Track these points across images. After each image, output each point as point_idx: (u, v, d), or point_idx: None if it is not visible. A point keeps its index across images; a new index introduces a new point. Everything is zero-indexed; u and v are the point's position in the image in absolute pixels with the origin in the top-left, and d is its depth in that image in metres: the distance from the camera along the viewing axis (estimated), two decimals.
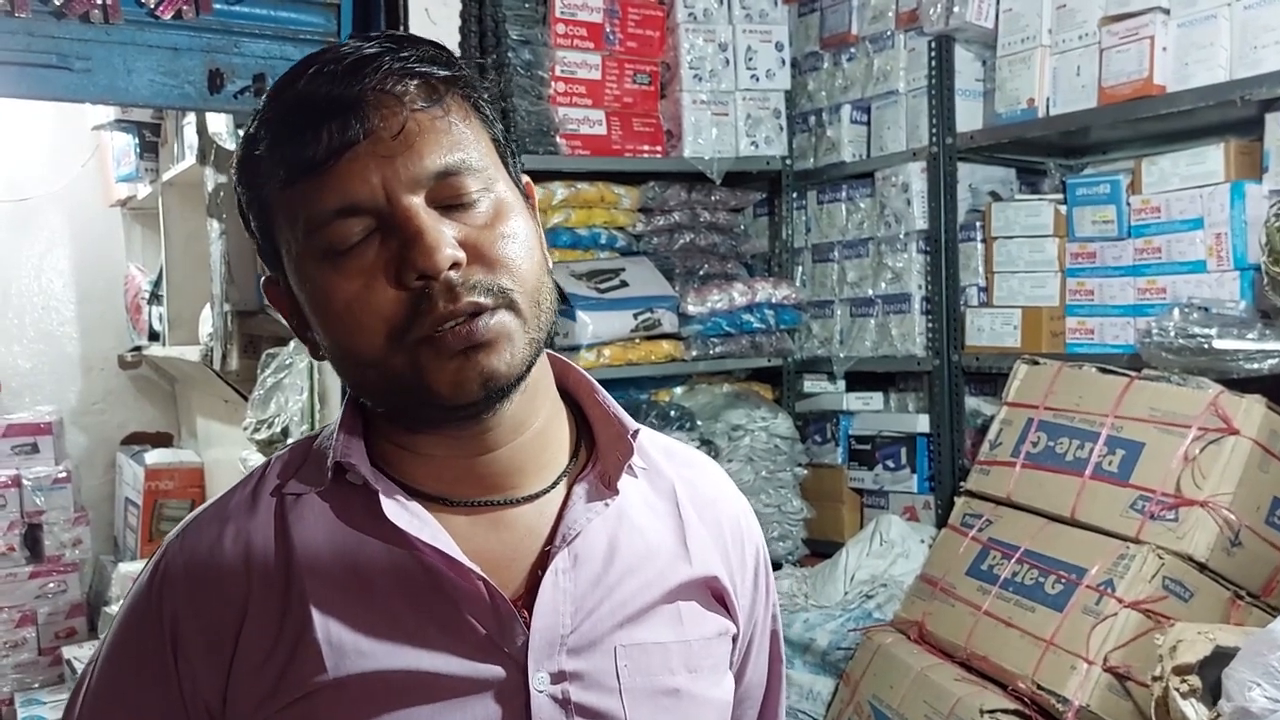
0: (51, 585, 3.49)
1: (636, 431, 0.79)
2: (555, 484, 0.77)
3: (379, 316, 0.68)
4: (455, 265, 0.67)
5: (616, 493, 0.77)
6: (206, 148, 2.73)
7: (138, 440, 3.91)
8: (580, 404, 0.82)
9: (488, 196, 0.71)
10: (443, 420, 0.71)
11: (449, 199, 0.69)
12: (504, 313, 0.69)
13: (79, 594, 3.54)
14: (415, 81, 0.69)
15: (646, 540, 0.78)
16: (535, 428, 0.76)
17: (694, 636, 0.78)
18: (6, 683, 3.37)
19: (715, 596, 0.81)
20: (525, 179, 0.77)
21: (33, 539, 3.49)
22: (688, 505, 0.82)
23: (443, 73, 0.71)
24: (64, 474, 3.55)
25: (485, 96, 0.74)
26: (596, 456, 0.78)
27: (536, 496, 0.76)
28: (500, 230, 0.70)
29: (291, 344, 2.49)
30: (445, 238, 0.67)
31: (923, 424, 2.53)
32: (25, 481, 3.47)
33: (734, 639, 0.82)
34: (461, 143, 0.70)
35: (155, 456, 3.62)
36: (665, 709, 0.74)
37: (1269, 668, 1.16)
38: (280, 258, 0.73)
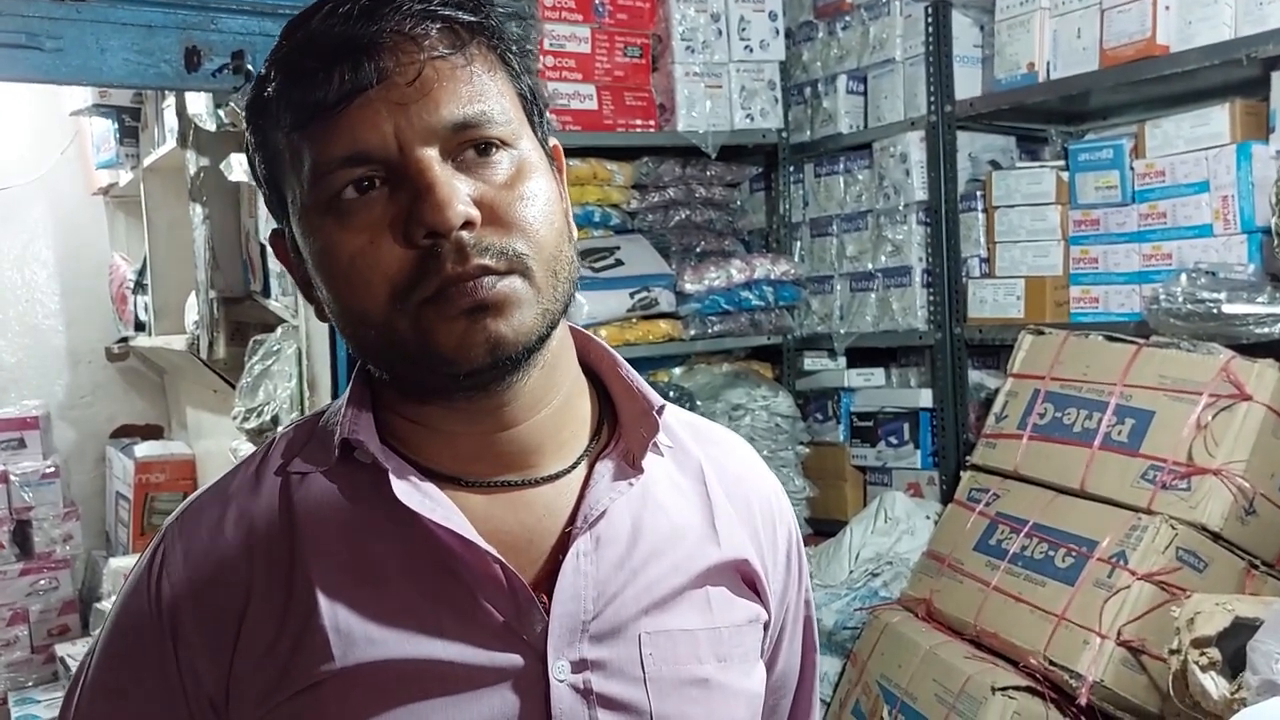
0: (43, 582, 3.44)
1: (662, 408, 0.75)
2: (577, 463, 0.73)
3: (383, 274, 0.64)
4: (468, 224, 0.63)
5: (641, 471, 0.72)
6: (186, 130, 2.67)
7: (127, 433, 3.86)
8: (603, 379, 0.77)
9: (509, 154, 0.66)
10: (450, 389, 0.67)
11: (466, 153, 0.65)
12: (515, 278, 0.64)
13: (71, 590, 3.49)
14: (437, 26, 0.64)
15: (673, 521, 0.74)
16: (555, 404, 0.72)
17: (723, 623, 0.74)
18: (0, 682, 3.33)
19: (745, 581, 0.77)
20: (554, 142, 0.73)
21: (22, 535, 3.44)
22: (716, 485, 0.77)
23: (468, 18, 0.66)
24: (52, 469, 3.49)
25: (514, 48, 0.69)
26: (620, 434, 0.74)
27: (557, 476, 0.72)
28: (519, 191, 0.66)
29: (279, 330, 2.43)
30: (458, 193, 0.63)
31: (925, 399, 2.49)
32: (13, 477, 3.42)
33: (765, 626, 0.78)
34: (483, 94, 0.65)
35: (145, 449, 3.56)
36: (693, 700, 0.70)
37: None
38: (286, 209, 0.69)
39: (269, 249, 2.51)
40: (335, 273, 0.66)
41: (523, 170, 0.67)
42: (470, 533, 0.66)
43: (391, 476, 0.67)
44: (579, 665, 0.67)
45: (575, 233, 0.72)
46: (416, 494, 0.67)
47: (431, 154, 0.64)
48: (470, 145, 0.65)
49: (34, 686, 3.33)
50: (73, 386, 3.87)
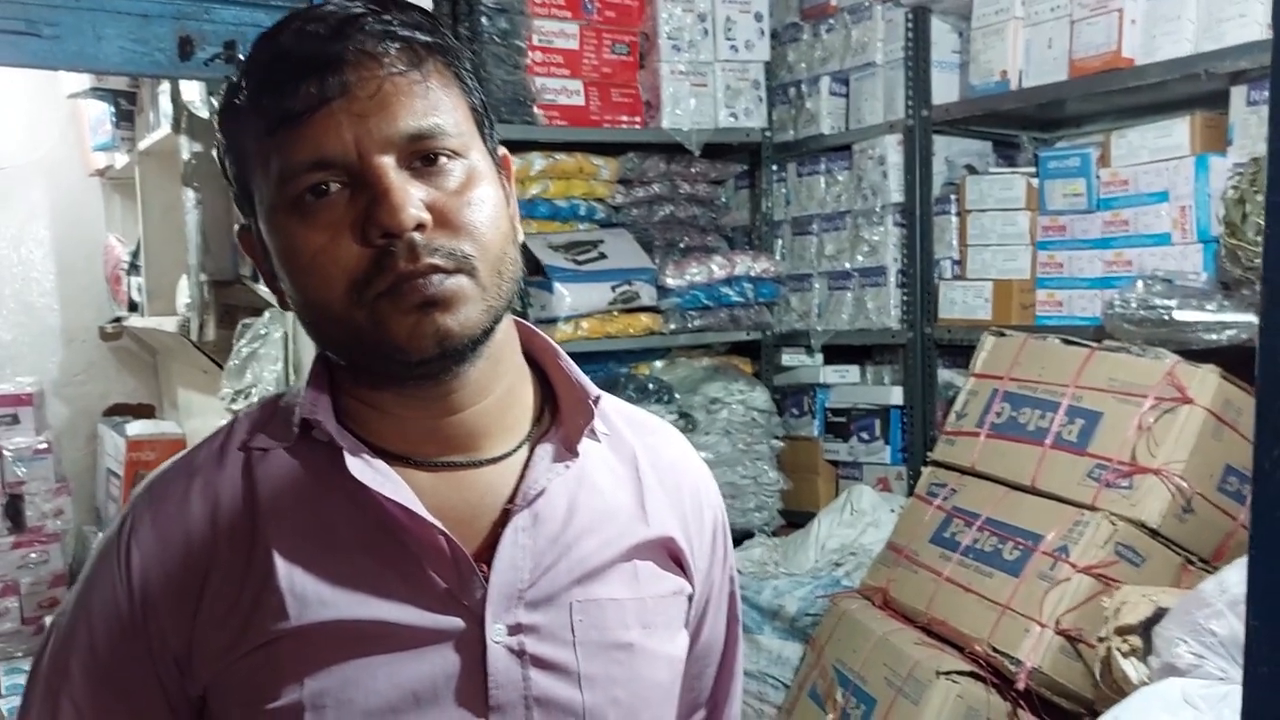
0: (34, 556, 3.51)
1: (598, 398, 0.81)
2: (519, 447, 0.79)
3: (342, 270, 0.69)
4: (420, 227, 0.69)
5: (577, 455, 0.79)
6: (180, 115, 2.72)
7: (120, 411, 3.92)
8: (545, 370, 0.83)
9: (460, 162, 0.72)
10: (403, 377, 0.73)
11: (420, 162, 0.71)
12: (461, 277, 0.70)
13: (61, 564, 3.56)
14: (396, 45, 0.70)
15: (605, 501, 0.80)
16: (499, 392, 0.78)
17: (649, 594, 0.80)
18: None
19: (671, 557, 0.83)
20: (502, 151, 0.79)
21: (14, 510, 3.51)
22: (648, 470, 0.84)
23: (424, 38, 0.72)
24: (45, 445, 3.56)
25: (467, 66, 0.75)
26: (559, 421, 0.81)
27: (500, 459, 0.78)
28: (468, 197, 0.72)
29: (266, 314, 2.49)
30: (411, 198, 0.69)
31: (897, 396, 2.56)
32: (6, 452, 3.48)
33: (690, 598, 0.85)
34: (437, 108, 0.71)
35: (136, 428, 3.62)
36: (618, 662, 0.77)
37: (1195, 625, 1.19)
38: (254, 206, 0.75)
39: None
40: (298, 267, 0.72)
41: (472, 178, 0.73)
42: (418, 506, 0.73)
43: (346, 454, 0.73)
44: (514, 629, 0.74)
45: (520, 235, 0.79)
46: (369, 470, 0.73)
47: (388, 161, 0.70)
48: (424, 154, 0.71)
49: (23, 657, 3.40)
50: (66, 364, 3.94)
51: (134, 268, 3.53)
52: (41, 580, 3.51)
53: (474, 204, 0.72)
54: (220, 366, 2.76)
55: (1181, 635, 1.20)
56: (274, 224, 0.73)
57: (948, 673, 1.67)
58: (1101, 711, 1.33)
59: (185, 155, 2.79)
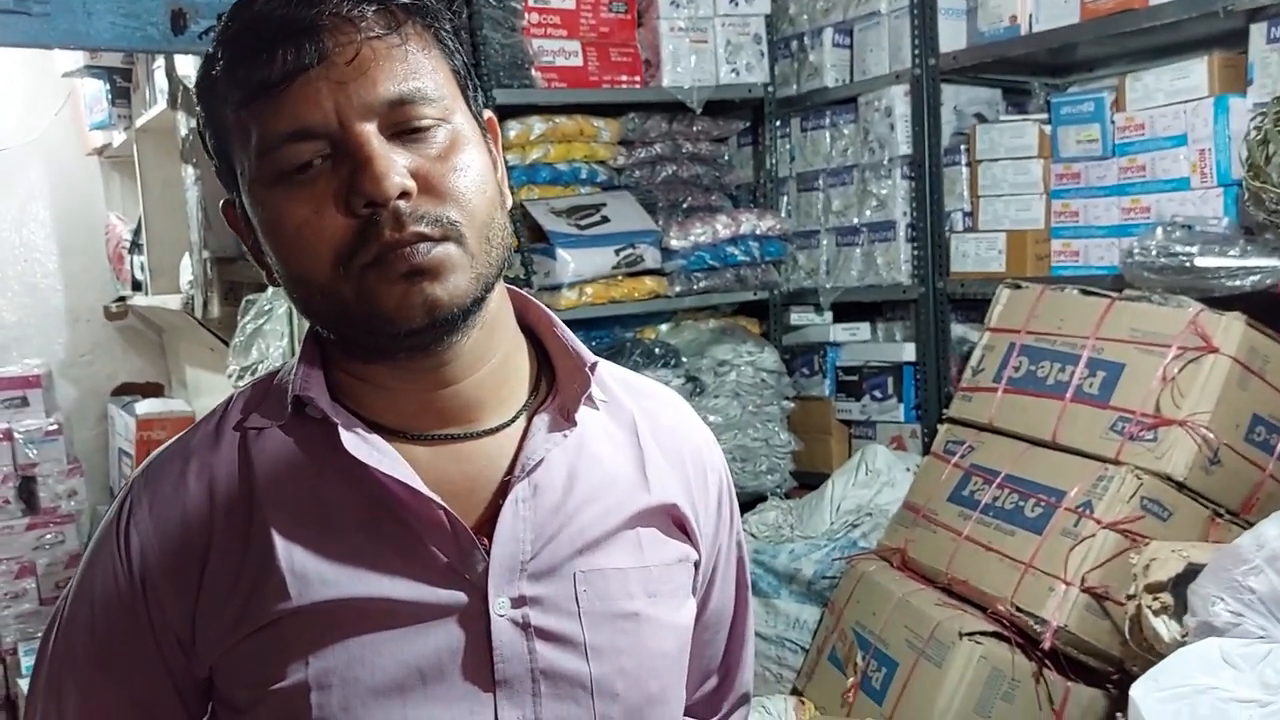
0: (49, 536, 3.52)
1: (594, 365, 0.79)
2: (516, 417, 0.77)
3: (327, 242, 0.68)
4: (404, 194, 0.67)
5: (575, 424, 0.77)
6: (176, 91, 2.68)
7: (128, 391, 3.92)
8: (540, 338, 0.82)
9: (443, 127, 0.70)
10: (392, 349, 0.71)
11: (402, 128, 0.69)
12: (449, 244, 0.68)
13: (77, 544, 3.58)
14: (373, 8, 0.69)
15: (605, 470, 0.78)
16: (494, 362, 0.76)
17: (653, 562, 0.79)
18: (9, 632, 3.44)
19: (676, 523, 0.82)
20: (488, 114, 0.77)
21: (27, 491, 3.52)
22: (648, 436, 0.82)
23: (402, 0, 0.70)
24: (55, 426, 3.56)
25: (447, 27, 0.73)
26: (556, 390, 0.79)
27: (497, 430, 0.76)
28: (453, 162, 0.70)
29: (270, 290, 2.47)
30: (395, 165, 0.67)
31: (909, 353, 2.52)
32: (17, 435, 3.49)
33: (696, 565, 0.83)
34: (418, 71, 0.69)
35: (146, 407, 3.62)
36: (624, 631, 0.76)
37: (1232, 582, 1.16)
38: (236, 180, 0.73)
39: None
40: (283, 241, 0.70)
41: (456, 143, 0.70)
42: (415, 481, 0.71)
43: (340, 430, 0.72)
44: (518, 601, 0.72)
45: (509, 200, 0.76)
46: (364, 446, 0.72)
47: (370, 129, 0.67)
48: (406, 120, 0.69)
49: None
50: (73, 345, 3.93)
51: (136, 246, 3.51)
52: (58, 561, 3.54)
53: (459, 169, 0.70)
54: (226, 344, 2.74)
55: (1218, 593, 1.17)
56: (256, 197, 0.71)
57: (971, 634, 1.65)
58: (1130, 670, 1.31)
59: (183, 131, 2.75)
